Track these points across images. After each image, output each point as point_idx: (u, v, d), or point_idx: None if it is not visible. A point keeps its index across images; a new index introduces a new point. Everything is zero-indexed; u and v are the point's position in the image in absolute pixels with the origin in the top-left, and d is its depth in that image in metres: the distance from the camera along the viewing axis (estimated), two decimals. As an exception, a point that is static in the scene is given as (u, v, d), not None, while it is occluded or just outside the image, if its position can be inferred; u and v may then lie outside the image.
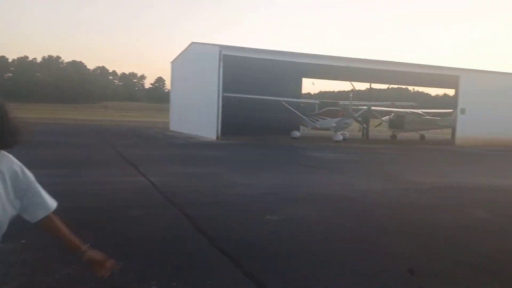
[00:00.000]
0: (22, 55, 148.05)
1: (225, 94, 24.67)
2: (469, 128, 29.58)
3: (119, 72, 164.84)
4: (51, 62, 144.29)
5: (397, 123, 34.12)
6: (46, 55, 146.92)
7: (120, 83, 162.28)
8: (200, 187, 9.54)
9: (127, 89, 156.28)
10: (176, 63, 38.73)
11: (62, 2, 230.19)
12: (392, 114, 34.58)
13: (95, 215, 6.69)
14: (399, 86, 64.03)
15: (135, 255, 4.93)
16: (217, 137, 24.65)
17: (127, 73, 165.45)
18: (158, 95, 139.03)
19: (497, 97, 30.23)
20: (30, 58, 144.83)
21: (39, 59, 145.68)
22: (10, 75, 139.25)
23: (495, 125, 30.25)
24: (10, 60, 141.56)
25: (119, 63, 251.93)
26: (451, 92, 51.66)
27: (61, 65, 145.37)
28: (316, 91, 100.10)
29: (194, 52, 31.78)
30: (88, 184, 9.40)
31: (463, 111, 29.71)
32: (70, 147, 18.20)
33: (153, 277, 4.28)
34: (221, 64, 24.42)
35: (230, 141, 23.49)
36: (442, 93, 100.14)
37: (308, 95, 69.68)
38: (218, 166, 13.53)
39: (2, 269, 4.23)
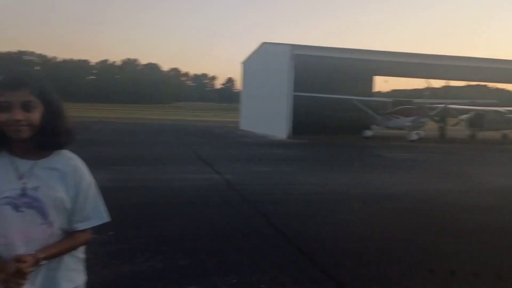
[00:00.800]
0: (103, 59, 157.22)
1: (295, 93, 24.69)
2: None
3: (191, 73, 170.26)
4: (129, 64, 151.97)
5: (477, 122, 32.32)
6: (125, 58, 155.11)
7: (192, 84, 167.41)
8: (272, 185, 9.67)
9: (199, 89, 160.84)
10: (247, 63, 39.31)
11: (139, 9, 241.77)
12: (472, 113, 32.81)
13: (171, 210, 7.03)
14: (478, 83, 60.50)
15: (211, 249, 5.13)
16: (288, 137, 24.73)
17: (199, 74, 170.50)
18: (228, 95, 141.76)
19: None
20: (111, 61, 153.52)
21: (118, 62, 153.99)
22: (93, 77, 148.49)
23: None
24: (92, 63, 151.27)
25: (192, 65, 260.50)
26: (538, 88, 48.03)
27: (138, 68, 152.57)
28: (388, 89, 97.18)
29: (265, 52, 32.08)
30: (165, 180, 9.84)
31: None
32: (147, 145, 19.08)
33: (232, 270, 4.44)
34: (292, 63, 24.47)
35: (301, 141, 23.46)
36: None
37: (379, 93, 67.80)
38: (290, 165, 13.61)
39: (90, 260, 4.52)
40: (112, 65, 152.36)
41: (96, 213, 1.83)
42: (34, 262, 1.63)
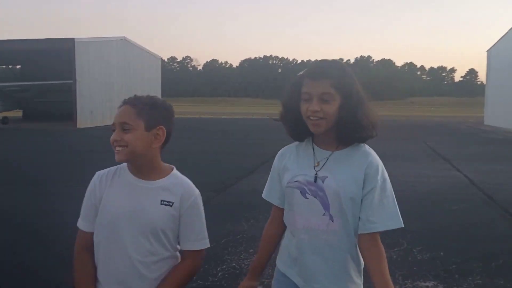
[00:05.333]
0: (337, 58, 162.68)
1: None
2: None
3: (427, 67, 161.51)
4: (363, 62, 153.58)
5: None
6: (359, 56, 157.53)
7: (428, 78, 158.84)
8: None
9: (435, 84, 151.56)
10: (493, 51, 35.20)
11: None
12: None
13: (409, 206, 6.82)
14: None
15: (451, 248, 4.80)
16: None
17: (435, 67, 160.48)
18: (469, 88, 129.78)
19: None
20: (344, 60, 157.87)
21: (352, 60, 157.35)
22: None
23: None
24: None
25: (428, 58, 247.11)
26: None
27: (372, 64, 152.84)
28: None
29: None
30: (400, 176, 9.54)
31: None
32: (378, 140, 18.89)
33: (477, 271, 4.11)
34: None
35: None
36: None
37: None
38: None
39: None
40: (346, 63, 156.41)
41: (393, 217, 1.65)
42: None
